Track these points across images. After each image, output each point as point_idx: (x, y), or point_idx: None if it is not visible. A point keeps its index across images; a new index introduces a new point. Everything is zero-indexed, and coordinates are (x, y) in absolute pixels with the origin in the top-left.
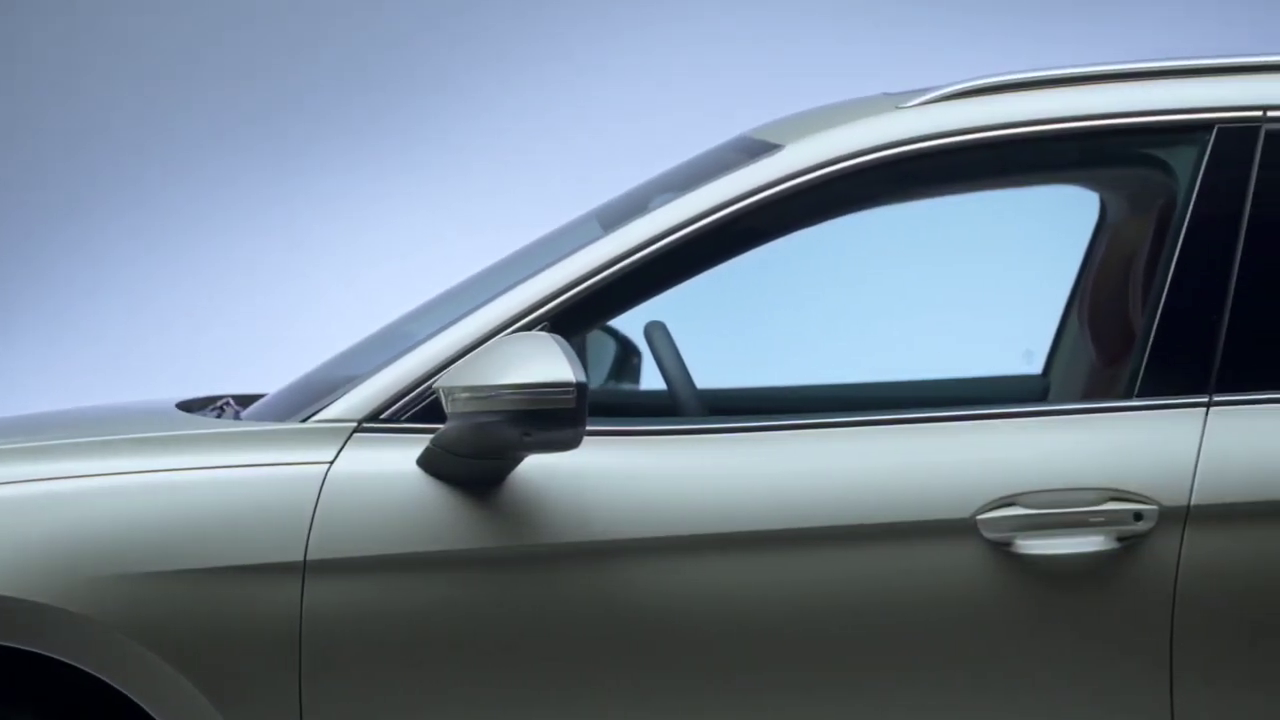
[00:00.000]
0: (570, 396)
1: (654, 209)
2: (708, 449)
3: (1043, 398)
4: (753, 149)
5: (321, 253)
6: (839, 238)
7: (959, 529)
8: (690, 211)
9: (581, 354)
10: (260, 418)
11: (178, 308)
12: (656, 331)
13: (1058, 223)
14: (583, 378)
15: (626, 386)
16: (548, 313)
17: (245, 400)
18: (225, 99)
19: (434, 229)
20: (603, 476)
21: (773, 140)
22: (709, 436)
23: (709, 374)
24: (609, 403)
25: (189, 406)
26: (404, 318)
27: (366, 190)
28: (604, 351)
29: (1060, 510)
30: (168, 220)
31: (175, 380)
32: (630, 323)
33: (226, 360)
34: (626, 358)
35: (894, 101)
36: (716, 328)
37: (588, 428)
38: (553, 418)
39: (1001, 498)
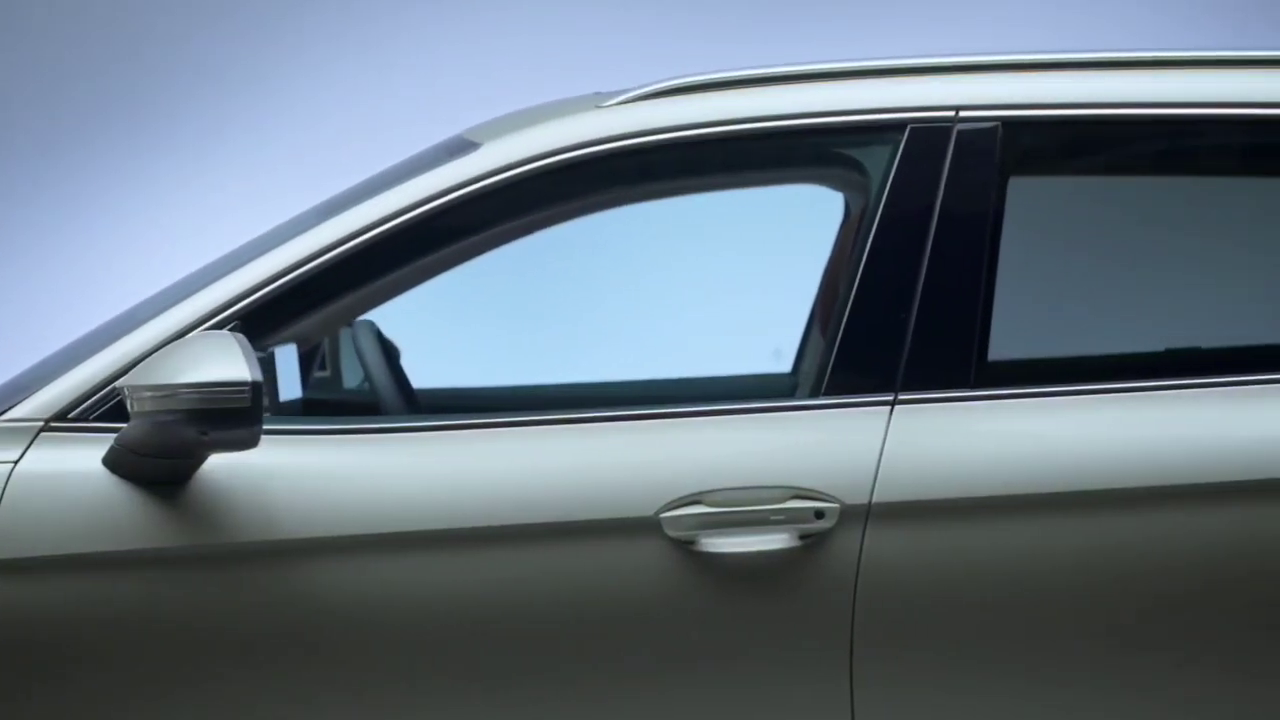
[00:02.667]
0: (245, 396)
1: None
2: (392, 448)
3: (791, 395)
4: (455, 148)
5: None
6: (609, 232)
7: (642, 527)
8: (381, 211)
9: (343, 351)
10: None
11: None
12: (362, 330)
13: (818, 221)
14: (258, 377)
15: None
16: (237, 312)
17: None
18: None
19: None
20: (286, 476)
21: (475, 139)
22: (394, 436)
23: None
24: (339, 401)
25: None
26: (123, 313)
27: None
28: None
29: (742, 508)
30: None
31: None
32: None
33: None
34: (389, 357)
35: (596, 101)
36: (488, 327)
37: (270, 427)
38: (229, 417)
39: (685, 496)
